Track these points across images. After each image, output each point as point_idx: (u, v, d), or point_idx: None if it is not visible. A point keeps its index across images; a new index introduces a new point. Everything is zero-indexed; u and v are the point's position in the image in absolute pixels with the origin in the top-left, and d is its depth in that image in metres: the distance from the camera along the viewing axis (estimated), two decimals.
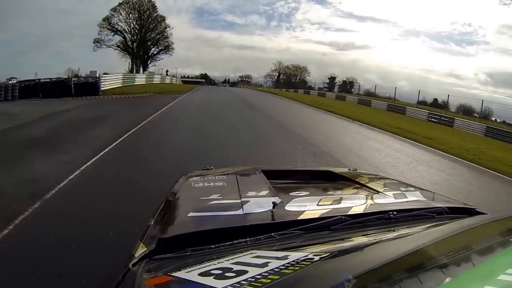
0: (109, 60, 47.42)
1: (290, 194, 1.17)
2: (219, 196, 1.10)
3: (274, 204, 0.96)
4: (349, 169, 1.77)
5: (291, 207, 1.02)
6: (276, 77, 54.91)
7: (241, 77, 58.48)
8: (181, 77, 52.56)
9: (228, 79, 61.57)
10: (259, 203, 1.01)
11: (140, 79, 26.16)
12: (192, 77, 58.12)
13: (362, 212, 1.01)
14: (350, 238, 0.83)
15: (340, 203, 1.10)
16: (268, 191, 1.14)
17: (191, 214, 0.95)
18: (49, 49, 49.99)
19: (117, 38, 35.94)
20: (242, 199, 1.05)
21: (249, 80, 58.95)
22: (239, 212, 0.96)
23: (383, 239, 0.80)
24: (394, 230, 0.89)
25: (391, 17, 68.62)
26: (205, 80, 57.68)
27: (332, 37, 78.08)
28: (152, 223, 0.95)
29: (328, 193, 1.23)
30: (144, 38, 37.30)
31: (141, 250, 0.78)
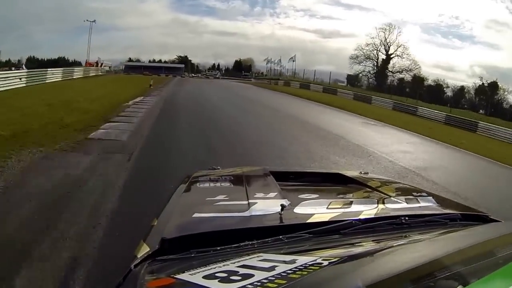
0: None
1: (299, 196, 1.14)
2: (225, 197, 1.08)
3: (283, 206, 0.94)
4: (360, 172, 1.71)
5: (300, 209, 1.00)
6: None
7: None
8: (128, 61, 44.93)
9: (218, 66, 54.61)
10: (267, 205, 0.99)
11: (54, 75, 18.36)
12: (162, 62, 48.64)
13: (373, 216, 0.98)
14: (360, 243, 0.81)
15: (350, 207, 1.07)
16: (276, 193, 1.12)
17: (196, 215, 0.93)
18: None
19: None
20: (250, 201, 1.03)
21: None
22: (246, 214, 0.94)
23: (394, 245, 0.78)
24: (405, 236, 0.86)
25: (379, 6, 64.65)
26: (185, 66, 48.92)
27: (317, 24, 75.55)
28: (155, 223, 0.93)
29: (338, 196, 1.21)
30: None
31: (144, 251, 0.76)
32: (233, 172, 1.48)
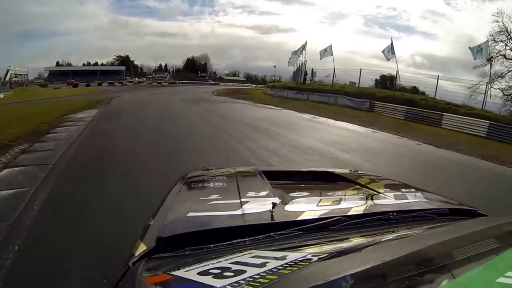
0: None
1: (290, 194, 1.17)
2: (218, 196, 1.10)
3: (274, 204, 0.96)
4: (350, 170, 1.77)
5: (290, 207, 1.02)
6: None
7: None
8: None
9: (166, 67, 47.60)
10: (258, 204, 1.02)
11: None
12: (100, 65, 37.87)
13: (361, 213, 1.01)
14: (349, 239, 0.83)
15: (339, 204, 1.10)
16: (267, 192, 1.14)
17: (190, 214, 0.96)
18: None
19: None
20: (242, 199, 1.05)
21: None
22: (239, 212, 0.96)
23: (382, 240, 0.80)
24: (393, 231, 0.89)
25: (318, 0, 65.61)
26: (126, 68, 39.40)
27: (256, 20, 78.29)
28: (152, 223, 0.95)
29: (328, 193, 1.23)
30: None
31: (141, 249, 0.79)
32: (226, 172, 1.52)
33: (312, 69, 29.73)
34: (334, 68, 26.12)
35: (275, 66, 45.57)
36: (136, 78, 41.93)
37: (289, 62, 34.38)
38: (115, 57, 44.21)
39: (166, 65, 51.27)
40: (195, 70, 48.56)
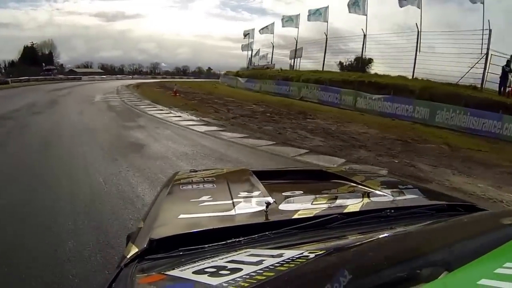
0: None
1: (283, 193, 1.15)
2: (209, 198, 1.08)
3: (268, 203, 0.95)
4: (344, 168, 1.76)
5: (284, 206, 1.01)
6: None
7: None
8: None
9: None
10: (251, 204, 1.00)
11: None
12: None
13: (358, 210, 1.01)
14: (345, 236, 0.83)
15: (335, 201, 1.08)
16: (260, 192, 1.12)
17: (181, 216, 0.94)
18: None
19: None
20: (234, 200, 1.04)
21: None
22: (232, 212, 0.95)
23: (380, 236, 0.79)
24: (391, 228, 0.88)
25: None
26: None
27: (100, 7, 71.50)
28: (142, 225, 0.93)
29: (323, 192, 1.22)
30: None
31: (133, 251, 0.77)
32: (215, 173, 1.49)
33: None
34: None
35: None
36: None
37: (242, 46, 31.41)
38: None
39: None
40: (37, 62, 34.45)
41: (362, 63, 20.73)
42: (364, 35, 18.63)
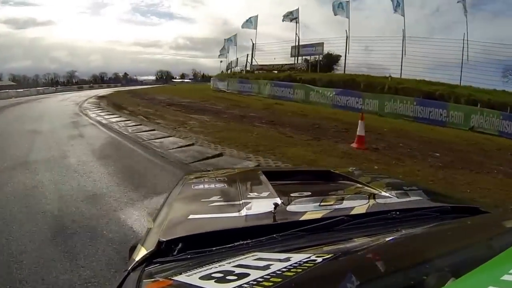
0: None
1: (292, 195, 1.16)
2: (219, 198, 1.09)
3: (276, 205, 0.96)
4: (351, 169, 1.76)
5: (292, 208, 1.02)
6: None
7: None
8: None
9: None
10: (260, 205, 1.01)
11: None
12: None
13: (364, 212, 1.01)
14: (352, 239, 0.83)
15: (342, 203, 1.09)
16: (269, 192, 1.13)
17: (191, 216, 0.95)
18: None
19: None
20: (243, 201, 1.04)
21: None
22: (240, 213, 0.96)
23: (386, 239, 0.79)
24: (397, 230, 0.88)
25: None
26: None
27: (10, 13, 64.78)
28: (152, 226, 0.94)
29: (330, 193, 1.23)
30: None
31: (141, 254, 0.78)
32: (226, 173, 1.50)
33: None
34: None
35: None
36: None
37: (220, 54, 32.27)
38: None
39: None
40: None
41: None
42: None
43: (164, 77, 73.83)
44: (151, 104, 15.41)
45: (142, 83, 60.50)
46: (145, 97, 19.33)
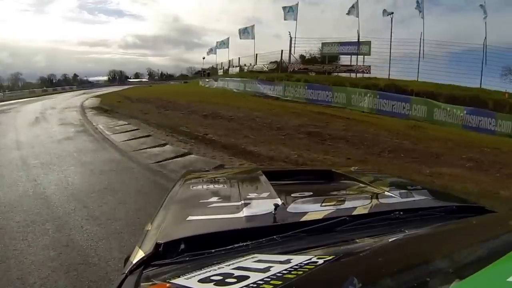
0: None
1: (292, 195, 1.15)
2: (218, 199, 1.08)
3: (276, 206, 0.94)
4: (353, 168, 1.75)
5: (293, 208, 1.00)
6: None
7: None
8: None
9: None
10: (260, 205, 0.99)
11: None
12: None
13: (367, 212, 0.99)
14: (355, 240, 0.81)
15: (344, 203, 1.07)
16: (269, 193, 1.12)
17: (190, 217, 0.93)
18: None
19: None
20: (243, 201, 1.03)
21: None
22: (240, 214, 0.94)
23: (390, 240, 0.77)
24: (401, 231, 0.86)
25: None
26: None
27: None
28: (150, 228, 0.93)
29: (331, 193, 1.21)
30: None
31: (138, 256, 0.76)
32: (226, 173, 1.49)
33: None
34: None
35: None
36: None
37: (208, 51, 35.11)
38: None
39: None
40: None
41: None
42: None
43: (117, 78, 70.53)
44: (231, 124, 9.32)
45: (93, 84, 54.71)
46: (181, 108, 12.65)
